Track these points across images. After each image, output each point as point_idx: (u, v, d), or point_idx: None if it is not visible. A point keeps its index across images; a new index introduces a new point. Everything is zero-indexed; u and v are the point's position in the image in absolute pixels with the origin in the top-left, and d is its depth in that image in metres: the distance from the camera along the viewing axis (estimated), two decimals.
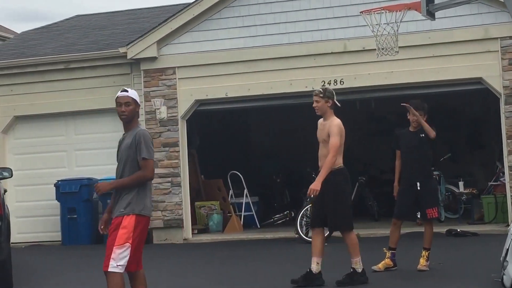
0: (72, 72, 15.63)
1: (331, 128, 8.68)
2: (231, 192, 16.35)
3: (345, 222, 8.89)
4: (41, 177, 15.70)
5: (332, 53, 14.09)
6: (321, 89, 9.01)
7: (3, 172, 11.44)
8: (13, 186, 15.93)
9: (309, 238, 13.01)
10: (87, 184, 15.03)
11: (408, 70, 13.71)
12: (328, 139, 8.67)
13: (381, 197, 16.95)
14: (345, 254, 9.32)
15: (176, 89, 14.81)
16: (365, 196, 16.80)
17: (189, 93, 14.76)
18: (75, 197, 14.97)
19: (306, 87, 14.21)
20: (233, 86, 14.51)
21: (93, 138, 15.68)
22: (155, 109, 14.83)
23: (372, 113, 18.33)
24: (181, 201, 14.73)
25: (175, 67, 14.82)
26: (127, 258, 6.48)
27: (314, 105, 8.93)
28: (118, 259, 6.47)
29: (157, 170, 14.73)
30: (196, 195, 16.21)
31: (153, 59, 14.82)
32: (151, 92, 14.90)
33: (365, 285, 8.81)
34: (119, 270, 6.49)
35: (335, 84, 13.98)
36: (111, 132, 15.47)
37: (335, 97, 8.90)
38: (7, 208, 9.87)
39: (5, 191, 10.95)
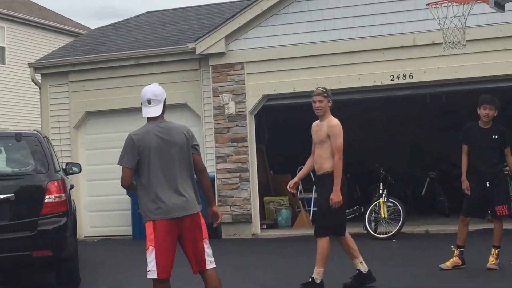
0: (142, 68, 15.82)
1: (332, 129, 8.42)
2: (300, 187, 16.28)
3: (321, 226, 8.53)
4: (113, 171, 15.80)
5: (401, 47, 13.89)
6: (323, 89, 8.70)
7: (72, 167, 11.64)
8: (85, 180, 16.26)
9: (377, 234, 12.93)
10: None
11: (478, 64, 13.42)
12: (326, 140, 8.41)
13: (452, 192, 16.69)
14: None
15: (244, 84, 14.85)
16: (435, 192, 16.54)
17: (257, 88, 14.77)
18: None
19: (375, 81, 14.10)
20: (300, 81, 14.46)
21: None
22: (223, 104, 14.89)
23: (442, 108, 18.01)
24: (250, 196, 14.77)
25: (243, 62, 14.85)
26: (154, 261, 6.31)
27: (316, 105, 8.64)
28: (148, 263, 6.38)
29: (225, 165, 14.88)
30: (265, 190, 16.23)
31: (221, 54, 14.88)
32: (219, 88, 14.96)
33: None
34: (150, 275, 6.36)
35: (404, 78, 13.82)
36: None
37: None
38: (74, 204, 10.04)
39: (72, 186, 11.15)
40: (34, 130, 9.88)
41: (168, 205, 6.29)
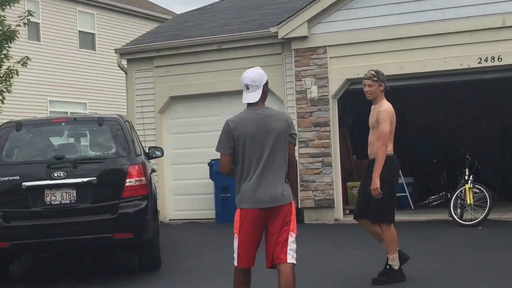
0: (225, 52, 15.84)
1: (380, 114, 8.16)
2: None
3: (384, 214, 8.16)
4: (196, 156, 16.02)
5: (489, 28, 13.47)
6: (373, 72, 8.39)
7: (155, 151, 11.75)
8: (170, 164, 16.42)
9: (463, 221, 12.64)
10: None
11: None
12: (376, 125, 8.17)
13: None
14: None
15: (327, 68, 14.69)
16: None
17: (340, 72, 14.60)
18: None
19: (461, 64, 13.74)
20: (384, 64, 14.09)
21: None
22: (306, 88, 14.78)
23: None
24: (332, 181, 14.63)
25: (326, 46, 14.69)
26: (237, 249, 6.29)
27: (366, 89, 8.38)
28: (234, 250, 6.37)
29: (307, 150, 14.79)
30: (348, 175, 16.07)
31: (303, 38, 14.75)
32: (301, 72, 14.85)
33: (401, 283, 8.23)
34: (234, 262, 6.36)
35: (492, 61, 13.42)
36: None
37: (385, 79, 8.39)
38: (155, 188, 10.12)
39: (154, 170, 11.27)
40: (116, 114, 10.00)
41: (257, 195, 6.18)
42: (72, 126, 9.63)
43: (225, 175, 6.48)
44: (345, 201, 15.54)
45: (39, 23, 24.77)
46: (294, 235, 6.27)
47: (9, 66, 17.29)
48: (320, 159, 14.72)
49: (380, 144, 8.04)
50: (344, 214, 14.99)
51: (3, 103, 16.72)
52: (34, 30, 24.64)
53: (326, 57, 14.69)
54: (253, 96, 6.31)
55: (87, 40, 26.79)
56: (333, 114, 14.76)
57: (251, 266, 6.36)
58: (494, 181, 17.20)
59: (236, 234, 6.29)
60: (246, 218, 6.21)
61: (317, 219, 14.69)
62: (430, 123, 18.91)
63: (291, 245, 6.22)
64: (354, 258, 10.40)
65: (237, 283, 6.38)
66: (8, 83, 16.99)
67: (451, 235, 11.97)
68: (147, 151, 11.70)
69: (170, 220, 16.35)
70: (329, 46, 14.66)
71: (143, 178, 9.23)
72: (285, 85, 15.26)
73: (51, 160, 9.06)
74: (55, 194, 8.94)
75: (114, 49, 17.06)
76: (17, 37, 17.30)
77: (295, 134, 6.40)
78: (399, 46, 14.14)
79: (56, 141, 9.55)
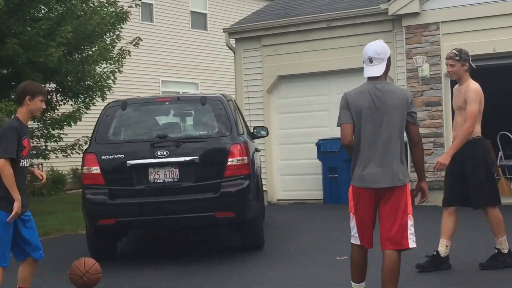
0: (334, 30, 15.55)
1: (468, 94, 7.72)
2: (500, 153, 15.43)
3: (486, 197, 7.82)
4: (304, 136, 15.85)
5: None
6: (455, 51, 7.96)
7: (260, 131, 11.70)
8: (277, 144, 16.32)
9: None
10: None
11: None
12: (464, 106, 7.72)
13: None
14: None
15: (439, 45, 14.19)
16: None
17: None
18: (336, 156, 14.93)
19: None
20: (500, 40, 13.62)
21: None
22: (417, 66, 14.34)
23: None
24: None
25: (438, 23, 14.19)
26: (355, 229, 6.22)
27: (448, 69, 8.00)
28: (351, 229, 6.29)
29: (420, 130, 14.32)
30: None
31: (415, 14, 14.30)
32: (412, 49, 14.41)
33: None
34: (352, 240, 6.30)
35: None
36: None
37: (470, 58, 7.91)
38: (259, 167, 10.02)
39: (257, 150, 11.18)
40: (220, 94, 9.95)
41: (366, 174, 6.02)
42: (175, 106, 9.64)
43: (346, 147, 6.25)
44: None
45: (152, 4, 25.10)
46: (411, 217, 6.06)
47: (122, 47, 17.57)
48: (432, 139, 14.28)
49: (468, 125, 7.67)
50: None
51: (114, 83, 17.01)
52: (148, 11, 25.00)
53: (439, 34, 14.20)
54: (377, 70, 6.10)
55: (199, 20, 26.97)
56: (445, 93, 14.25)
57: (369, 247, 6.25)
58: None
59: (352, 214, 6.21)
60: (358, 196, 6.10)
61: (428, 201, 14.18)
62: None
63: (411, 228, 6.06)
64: (462, 242, 10.00)
65: (354, 261, 6.28)
66: (120, 63, 17.27)
67: None
68: (252, 130, 11.67)
69: (278, 200, 16.27)
70: (441, 22, 14.16)
71: (245, 158, 9.15)
72: (395, 63, 14.82)
73: (155, 139, 9.11)
74: (158, 173, 8.99)
75: (223, 29, 17.04)
76: (129, 18, 17.53)
77: (415, 112, 6.09)
78: None
79: (160, 120, 9.58)
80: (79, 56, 15.57)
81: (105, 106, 9.54)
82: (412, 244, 6.02)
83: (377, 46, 6.10)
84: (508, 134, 15.22)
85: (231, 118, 9.33)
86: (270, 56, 16.23)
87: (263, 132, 11.74)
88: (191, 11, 26.68)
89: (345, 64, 15.40)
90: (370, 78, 6.11)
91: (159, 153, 8.97)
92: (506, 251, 7.79)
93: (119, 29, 17.36)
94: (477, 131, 7.78)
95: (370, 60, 6.06)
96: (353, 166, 6.15)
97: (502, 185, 14.46)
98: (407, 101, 6.00)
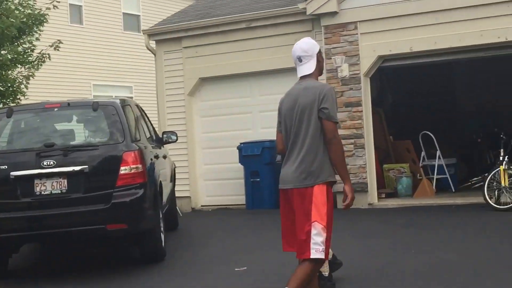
0: (254, 31, 15.19)
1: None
2: (422, 154, 15.24)
3: None
4: (227, 139, 15.48)
5: None
6: None
7: (171, 136, 11.33)
8: (201, 149, 15.92)
9: (497, 205, 11.81)
10: (269, 147, 14.61)
11: None
12: None
13: None
14: None
15: (358, 45, 13.92)
16: None
17: (372, 48, 13.81)
18: (258, 160, 14.59)
19: (499, 37, 12.83)
20: (418, 39, 13.40)
21: (277, 99, 15.15)
22: (336, 67, 14.05)
23: None
24: (365, 164, 13.90)
25: (356, 22, 13.92)
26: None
27: None
28: None
29: (339, 132, 14.02)
30: (385, 157, 15.31)
31: (333, 14, 14.00)
32: (332, 49, 14.12)
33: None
34: None
35: None
36: None
37: None
38: (159, 175, 9.57)
39: (165, 156, 10.78)
40: (115, 98, 9.51)
41: (282, 174, 5.80)
42: (65, 112, 9.14)
43: (279, 154, 6.10)
44: (382, 185, 14.82)
45: (81, 5, 24.53)
46: (317, 224, 5.55)
47: (41, 50, 17.03)
48: (352, 141, 13.99)
49: None
50: (379, 198, 14.28)
51: (27, 88, 16.44)
52: (77, 13, 24.43)
53: (357, 33, 13.92)
54: (308, 67, 5.87)
55: (132, 22, 26.46)
56: (365, 93, 14.00)
57: (291, 250, 5.82)
58: None
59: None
60: (280, 198, 5.87)
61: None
62: (479, 101, 17.89)
63: (314, 237, 5.57)
64: (385, 241, 9.73)
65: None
66: (35, 68, 16.71)
67: (482, 220, 11.15)
68: (160, 136, 11.28)
69: (202, 206, 15.88)
70: (360, 21, 13.89)
71: (140, 166, 8.71)
72: None
73: (41, 148, 8.62)
74: (45, 184, 8.50)
75: (142, 30, 16.60)
76: (47, 20, 16.98)
77: (326, 108, 5.65)
78: (433, 20, 13.30)
79: (48, 127, 9.07)
80: None
81: None
82: (315, 254, 5.56)
83: (304, 44, 5.87)
84: (430, 134, 15.01)
85: (125, 124, 8.88)
86: (191, 58, 15.82)
87: (173, 137, 11.36)
88: (124, 13, 26.18)
89: (267, 65, 15.08)
90: (302, 77, 5.90)
91: (45, 163, 8.49)
92: (326, 274, 7.21)
93: (37, 32, 16.82)
94: None
95: (299, 59, 5.85)
96: None
97: (424, 186, 14.29)
98: (318, 97, 5.67)
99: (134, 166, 8.67)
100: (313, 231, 5.58)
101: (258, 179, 14.63)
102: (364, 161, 13.91)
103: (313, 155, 5.66)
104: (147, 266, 9.15)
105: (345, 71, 14.01)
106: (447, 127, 17.31)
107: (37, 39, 16.95)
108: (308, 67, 5.85)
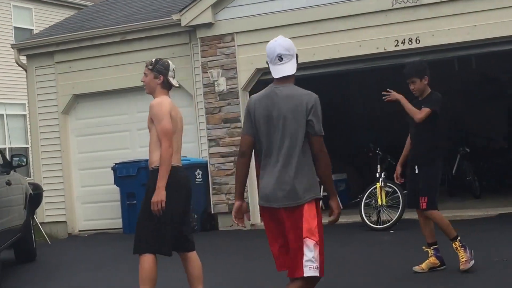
0: (130, 44, 14.35)
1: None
2: None
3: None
4: (104, 159, 14.54)
5: (405, 7, 12.01)
6: (152, 60, 6.63)
7: (21, 158, 10.46)
8: (77, 170, 15.00)
9: (373, 224, 11.23)
10: (145, 167, 13.71)
11: (495, 23, 11.47)
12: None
13: (488, 170, 14.83)
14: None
15: (235, 57, 13.23)
16: (466, 170, 14.59)
17: (249, 61, 13.12)
18: (134, 181, 13.71)
19: (377, 48, 12.32)
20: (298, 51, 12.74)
21: None
22: (213, 81, 13.31)
23: (479, 74, 16.00)
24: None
25: (233, 33, 13.23)
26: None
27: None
28: None
29: (218, 149, 13.36)
30: None
31: (209, 25, 13.28)
32: (208, 62, 13.38)
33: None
34: None
35: (410, 43, 11.97)
36: None
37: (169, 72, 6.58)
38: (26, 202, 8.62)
39: (7, 183, 9.85)
40: None
41: (266, 191, 5.21)
42: None
43: (239, 157, 5.36)
44: None
45: None
46: (309, 241, 5.05)
47: None
48: (232, 158, 13.25)
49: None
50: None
51: None
52: None
53: (234, 46, 13.23)
54: (289, 68, 5.27)
55: (25, 36, 25.09)
56: (243, 108, 13.28)
57: (284, 270, 5.31)
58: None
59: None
60: (263, 216, 5.39)
61: (232, 225, 13.26)
62: (374, 112, 17.39)
63: (307, 253, 5.06)
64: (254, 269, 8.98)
65: None
66: None
67: (354, 241, 10.52)
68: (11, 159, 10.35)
69: (79, 231, 14.91)
70: (236, 33, 13.20)
71: None
72: (194, 78, 13.80)
73: None
74: None
75: (11, 45, 15.57)
76: None
77: (312, 120, 5.09)
78: (310, 30, 12.71)
79: None
80: None
81: None
82: (308, 272, 5.06)
83: (284, 41, 5.32)
84: None
85: None
86: (64, 74, 14.88)
87: (23, 159, 10.46)
88: (15, 27, 24.88)
89: None
90: (278, 80, 5.24)
91: None
92: None
93: None
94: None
95: (280, 58, 5.23)
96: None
97: None
98: (305, 107, 5.11)
99: None
100: (305, 248, 5.09)
101: (135, 201, 13.74)
102: None
103: (302, 171, 5.14)
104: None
105: (222, 85, 13.29)
106: (340, 140, 16.73)
107: None
108: (290, 67, 5.26)
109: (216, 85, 13.29)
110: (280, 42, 5.29)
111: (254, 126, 5.22)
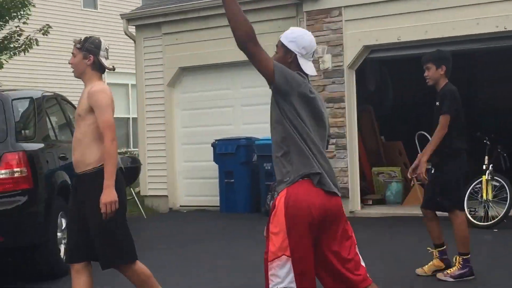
0: None
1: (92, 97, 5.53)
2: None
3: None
4: (208, 134, 14.13)
5: None
6: (80, 38, 5.68)
7: None
8: (180, 144, 14.67)
9: (478, 221, 10.23)
10: (246, 145, 13.26)
11: None
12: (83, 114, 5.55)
13: None
14: None
15: (342, 33, 12.42)
16: None
17: (357, 37, 12.29)
18: (232, 159, 13.25)
19: (497, 26, 11.18)
20: (407, 28, 11.84)
21: (260, 92, 13.82)
22: (318, 58, 12.57)
23: None
24: (347, 167, 12.42)
25: (341, 7, 12.40)
26: None
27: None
28: None
29: None
30: (376, 159, 13.77)
31: None
32: (315, 38, 12.61)
33: None
34: None
35: None
36: None
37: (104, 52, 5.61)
38: (54, 180, 8.27)
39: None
40: (5, 92, 8.29)
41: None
42: None
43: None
44: (372, 190, 13.34)
45: None
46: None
47: (28, 35, 16.07)
48: (334, 140, 12.50)
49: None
50: (365, 204, 12.81)
51: None
52: None
53: (341, 20, 12.42)
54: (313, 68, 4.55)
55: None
56: (349, 87, 12.49)
57: None
58: None
59: None
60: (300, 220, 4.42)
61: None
62: (498, 96, 16.05)
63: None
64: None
65: None
66: (17, 54, 15.80)
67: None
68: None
69: (180, 206, 14.61)
70: (344, 7, 12.37)
71: (24, 169, 7.51)
72: None
73: None
74: None
75: (120, 14, 15.33)
76: (31, 4, 15.97)
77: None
78: (424, 6, 11.72)
79: None
80: None
81: None
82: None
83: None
84: (426, 134, 13.38)
85: (10, 122, 7.69)
86: (171, 46, 14.54)
87: None
88: None
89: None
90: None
91: None
92: None
93: (23, 16, 15.79)
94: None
95: (312, 55, 4.56)
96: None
97: (415, 193, 12.78)
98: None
99: (17, 169, 7.48)
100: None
101: (232, 180, 13.30)
102: (346, 164, 12.43)
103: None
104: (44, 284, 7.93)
105: (327, 62, 12.53)
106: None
107: (25, 23, 15.92)
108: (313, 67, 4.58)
109: (321, 62, 12.53)
110: (313, 39, 4.60)
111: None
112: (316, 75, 11.61)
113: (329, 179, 4.30)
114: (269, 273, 4.23)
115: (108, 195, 5.19)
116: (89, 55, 5.49)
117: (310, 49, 4.50)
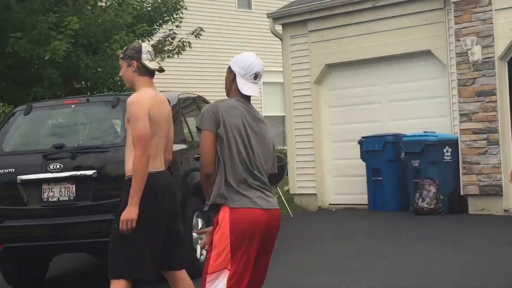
0: (381, 10, 13.49)
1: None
2: None
3: None
4: (355, 132, 13.88)
5: None
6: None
7: None
8: (329, 142, 14.54)
9: None
10: (393, 142, 12.95)
11: None
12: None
13: None
14: None
15: (492, 23, 11.85)
16: None
17: (509, 27, 11.69)
18: (379, 156, 12.97)
19: None
20: None
21: (408, 87, 13.47)
22: (466, 49, 12.06)
23: None
24: (500, 163, 11.84)
25: None
26: None
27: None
28: None
29: (470, 125, 12.13)
30: None
31: None
32: (462, 29, 12.14)
33: None
34: None
35: None
36: (423, 80, 13.21)
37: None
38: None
39: None
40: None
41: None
42: (83, 109, 8.14)
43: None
44: None
45: None
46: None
47: (181, 38, 16.45)
48: (485, 135, 11.98)
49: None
50: None
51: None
52: None
53: (491, 10, 11.85)
54: (258, 90, 4.75)
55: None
56: (500, 80, 11.90)
57: None
58: None
59: None
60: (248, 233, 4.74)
61: (483, 209, 12.03)
62: None
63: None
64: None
65: None
66: (170, 57, 16.19)
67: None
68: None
69: (329, 204, 14.48)
70: None
71: None
72: (448, 47, 12.66)
73: (50, 150, 7.74)
74: (53, 190, 7.62)
75: (267, 14, 15.35)
76: (184, 7, 16.30)
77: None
78: None
79: (62, 126, 8.20)
80: (102, 49, 14.33)
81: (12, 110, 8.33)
82: None
83: (261, 63, 4.71)
84: None
85: None
86: (317, 43, 14.42)
87: None
88: None
89: (395, 49, 13.43)
90: (244, 97, 4.68)
91: (52, 167, 7.62)
92: None
93: (176, 19, 16.13)
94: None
95: (256, 77, 4.67)
96: None
97: None
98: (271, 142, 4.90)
99: None
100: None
101: (380, 178, 13.02)
102: (499, 160, 11.86)
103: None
104: None
105: (476, 54, 11.99)
106: None
107: (178, 26, 16.29)
108: (258, 90, 4.73)
109: (469, 54, 12.02)
110: (259, 61, 4.67)
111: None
112: (466, 68, 11.15)
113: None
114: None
115: (128, 213, 5.12)
116: (132, 61, 5.43)
117: (250, 71, 4.60)
